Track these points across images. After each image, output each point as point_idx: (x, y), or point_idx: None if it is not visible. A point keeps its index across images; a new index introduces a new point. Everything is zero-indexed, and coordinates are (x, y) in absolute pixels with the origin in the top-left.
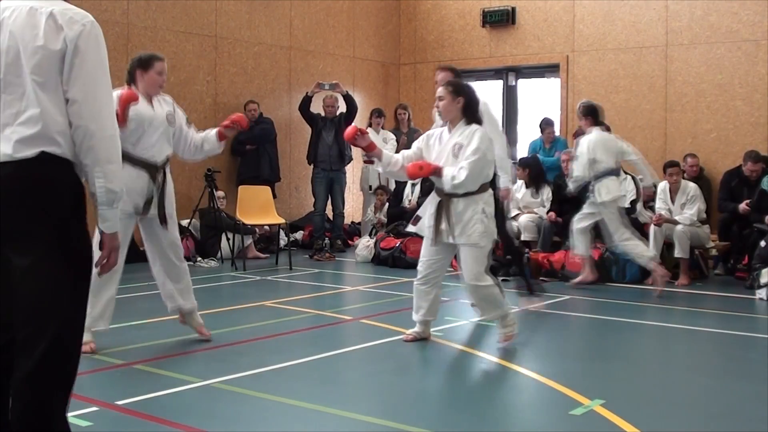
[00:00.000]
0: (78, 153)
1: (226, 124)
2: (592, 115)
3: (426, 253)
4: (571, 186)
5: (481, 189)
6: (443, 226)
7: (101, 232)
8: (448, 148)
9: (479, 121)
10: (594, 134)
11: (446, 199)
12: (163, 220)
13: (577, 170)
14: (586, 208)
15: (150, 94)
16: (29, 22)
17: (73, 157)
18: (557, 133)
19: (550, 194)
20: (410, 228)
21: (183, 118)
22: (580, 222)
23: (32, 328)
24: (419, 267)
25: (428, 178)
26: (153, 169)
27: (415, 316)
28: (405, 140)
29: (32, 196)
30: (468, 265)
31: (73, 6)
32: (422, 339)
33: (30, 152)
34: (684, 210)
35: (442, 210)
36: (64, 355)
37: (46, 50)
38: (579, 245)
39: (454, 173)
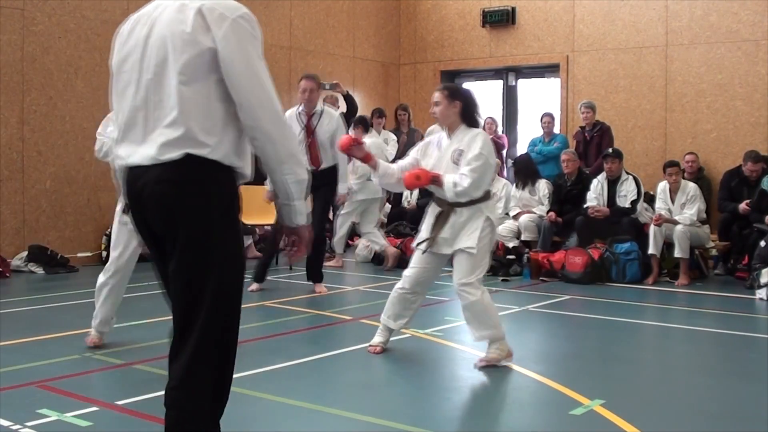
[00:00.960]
0: (260, 156)
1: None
2: None
3: (418, 261)
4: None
5: (485, 196)
6: (444, 235)
7: (286, 227)
8: (448, 155)
9: (479, 125)
10: None
11: (448, 209)
12: None
13: None
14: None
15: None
16: (177, 19)
17: (223, 158)
18: (557, 130)
19: (547, 191)
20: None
21: None
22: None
23: (177, 336)
24: (408, 273)
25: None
26: None
27: (392, 324)
28: (405, 140)
29: (177, 199)
30: (460, 271)
31: (223, 1)
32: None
33: (175, 154)
34: (684, 210)
35: (441, 220)
36: (207, 366)
37: (194, 49)
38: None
39: (456, 180)
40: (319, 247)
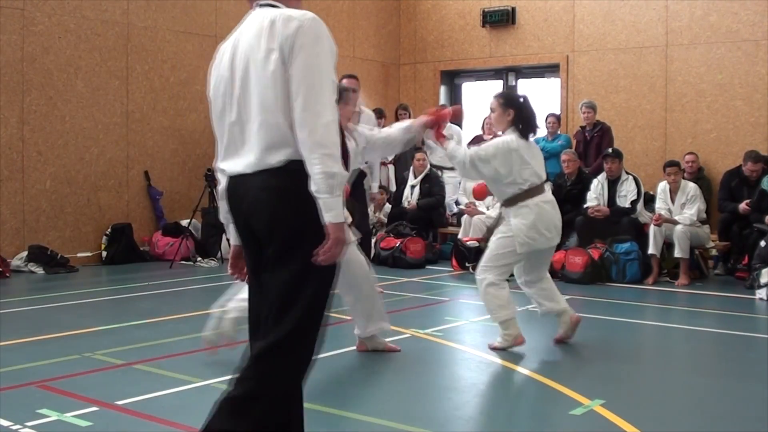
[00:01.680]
0: (300, 147)
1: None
2: None
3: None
4: None
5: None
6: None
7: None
8: None
9: (535, 132)
10: None
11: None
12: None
13: None
14: None
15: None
16: (257, 32)
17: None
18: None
19: None
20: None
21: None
22: None
23: (263, 331)
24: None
25: (427, 183)
26: None
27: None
28: None
29: (277, 203)
30: (486, 253)
31: (297, 9)
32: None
33: (274, 160)
34: (684, 210)
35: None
36: (291, 360)
37: (270, 57)
38: None
39: None
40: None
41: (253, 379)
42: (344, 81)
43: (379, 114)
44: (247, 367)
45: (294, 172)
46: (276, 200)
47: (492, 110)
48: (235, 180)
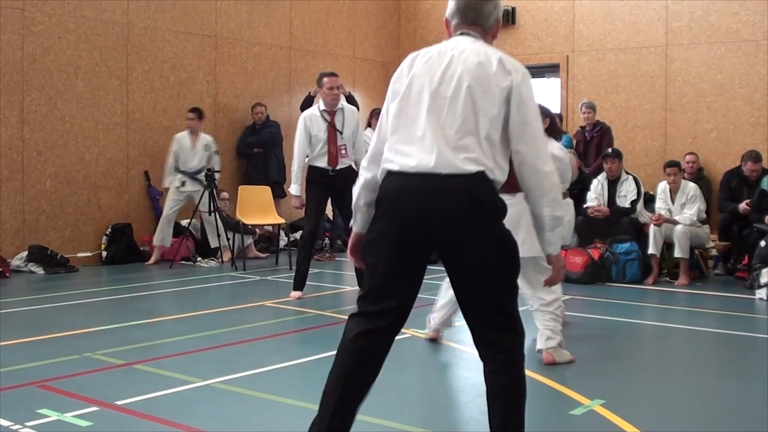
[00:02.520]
0: (524, 185)
1: None
2: None
3: None
4: None
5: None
6: None
7: (548, 255)
8: None
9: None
10: None
11: None
12: None
13: None
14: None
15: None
16: (479, 61)
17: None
18: None
19: None
20: None
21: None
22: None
23: (485, 320)
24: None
25: None
26: None
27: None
28: None
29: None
30: None
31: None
32: None
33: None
34: (684, 210)
35: None
36: (518, 335)
37: (494, 86)
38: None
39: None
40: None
41: (505, 352)
42: (328, 79)
43: (379, 114)
44: (496, 350)
45: (484, 180)
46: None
47: None
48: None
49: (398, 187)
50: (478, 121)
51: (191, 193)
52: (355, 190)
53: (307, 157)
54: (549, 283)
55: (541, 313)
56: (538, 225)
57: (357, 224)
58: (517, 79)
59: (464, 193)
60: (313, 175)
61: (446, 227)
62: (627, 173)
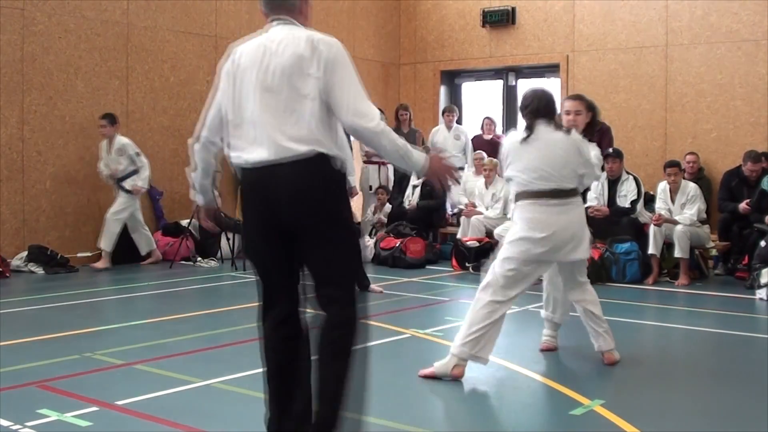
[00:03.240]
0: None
1: None
2: None
3: None
4: None
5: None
6: None
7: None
8: None
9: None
10: None
11: None
12: None
13: None
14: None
15: None
16: (293, 48)
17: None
18: None
19: None
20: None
21: None
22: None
23: (323, 281)
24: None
25: (428, 185)
26: None
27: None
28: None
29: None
30: None
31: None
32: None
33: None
34: (684, 210)
35: None
36: (351, 275)
37: (313, 68)
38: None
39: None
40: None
41: (337, 324)
42: None
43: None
44: (328, 321)
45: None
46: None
47: (578, 113)
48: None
49: (249, 182)
50: (303, 105)
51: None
52: (191, 173)
53: None
54: (445, 186)
55: (587, 315)
56: (398, 160)
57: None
58: (328, 54)
59: (303, 176)
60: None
61: (291, 212)
62: (627, 173)
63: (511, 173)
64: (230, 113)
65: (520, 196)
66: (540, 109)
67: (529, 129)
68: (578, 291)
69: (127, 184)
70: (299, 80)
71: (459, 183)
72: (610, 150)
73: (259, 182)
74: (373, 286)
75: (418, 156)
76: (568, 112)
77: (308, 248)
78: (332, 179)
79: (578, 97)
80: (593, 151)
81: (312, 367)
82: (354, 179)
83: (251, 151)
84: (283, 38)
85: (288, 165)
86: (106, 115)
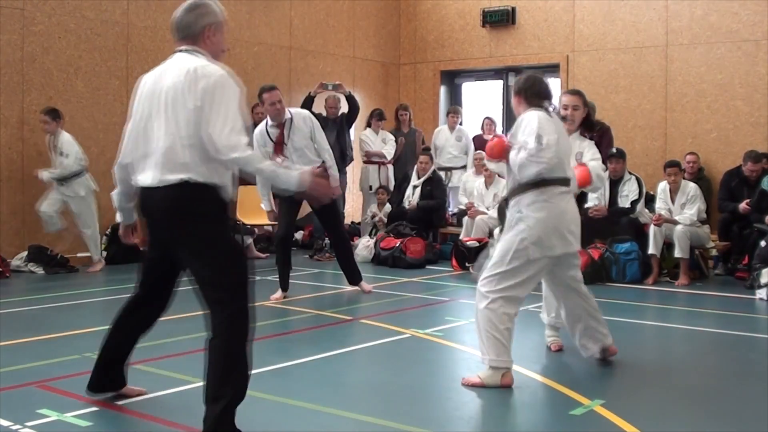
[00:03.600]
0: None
1: None
2: None
3: None
4: None
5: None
6: None
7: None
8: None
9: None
10: None
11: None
12: None
13: None
14: None
15: None
16: (176, 79)
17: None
18: None
19: None
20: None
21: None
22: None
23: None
24: None
25: (429, 185)
26: None
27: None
28: (403, 141)
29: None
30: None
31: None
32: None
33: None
34: (684, 210)
35: None
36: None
37: (190, 100)
38: None
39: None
40: (344, 246)
41: (215, 328)
42: (268, 95)
43: (379, 116)
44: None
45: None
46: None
47: (576, 108)
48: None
49: (141, 201)
50: (180, 133)
51: (67, 198)
52: (112, 193)
53: None
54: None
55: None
56: (273, 181)
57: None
58: (206, 85)
59: (170, 201)
60: (276, 189)
61: (164, 229)
62: (630, 173)
63: (550, 154)
64: (133, 139)
65: (547, 182)
66: (548, 93)
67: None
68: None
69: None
70: (178, 111)
71: (336, 197)
72: (614, 150)
73: (143, 202)
74: (363, 284)
75: (289, 177)
76: (565, 107)
77: (185, 260)
78: (201, 202)
79: (576, 92)
80: (595, 162)
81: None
82: (337, 177)
83: (140, 174)
84: (173, 69)
85: (161, 189)
86: (47, 110)
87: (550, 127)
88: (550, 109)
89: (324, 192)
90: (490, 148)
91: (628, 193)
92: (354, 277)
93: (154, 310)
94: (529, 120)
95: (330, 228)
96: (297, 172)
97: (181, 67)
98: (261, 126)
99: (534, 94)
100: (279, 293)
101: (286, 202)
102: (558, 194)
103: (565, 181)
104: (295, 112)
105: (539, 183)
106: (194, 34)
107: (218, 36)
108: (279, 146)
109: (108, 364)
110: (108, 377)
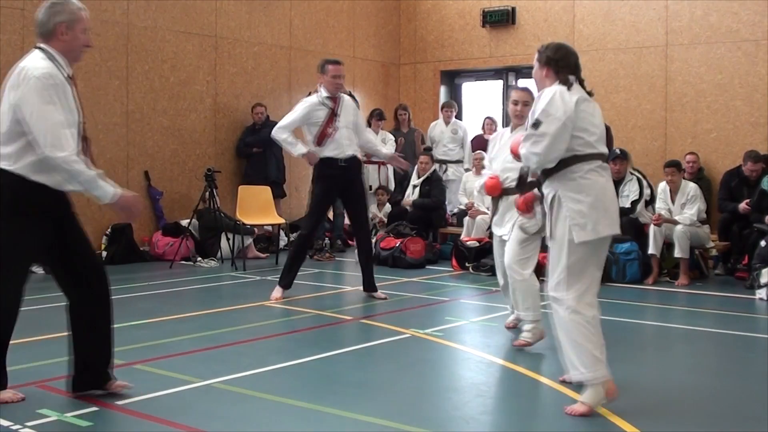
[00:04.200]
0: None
1: None
2: None
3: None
4: None
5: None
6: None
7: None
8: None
9: None
10: None
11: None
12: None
13: None
14: None
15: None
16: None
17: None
18: None
19: None
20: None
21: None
22: None
23: None
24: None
25: (428, 185)
26: None
27: (533, 314)
28: (403, 141)
29: None
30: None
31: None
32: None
33: None
34: (684, 210)
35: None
36: None
37: (11, 96)
38: None
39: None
40: (369, 247)
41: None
42: (329, 67)
43: (379, 116)
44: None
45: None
46: None
47: (526, 104)
48: None
49: None
50: (9, 127)
51: None
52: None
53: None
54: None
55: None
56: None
57: None
58: (25, 85)
59: None
60: (322, 168)
61: None
62: (632, 173)
63: (544, 144)
64: None
65: (587, 157)
66: (579, 66)
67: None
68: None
69: None
70: (8, 106)
71: (136, 218)
72: (617, 151)
73: None
74: (377, 293)
75: (106, 191)
76: (515, 102)
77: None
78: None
79: (526, 89)
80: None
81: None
82: (390, 154)
83: None
84: (17, 65)
85: None
86: None
87: (561, 108)
88: (576, 85)
89: (130, 214)
90: (489, 188)
91: (629, 193)
92: (370, 284)
93: (89, 296)
94: (543, 98)
95: (357, 227)
96: (113, 189)
97: (20, 64)
98: (312, 99)
99: (566, 66)
100: (279, 292)
101: (323, 196)
102: (591, 170)
103: (599, 156)
104: (344, 96)
105: (571, 160)
106: (47, 31)
107: (72, 33)
108: (332, 118)
109: (86, 366)
110: (90, 376)
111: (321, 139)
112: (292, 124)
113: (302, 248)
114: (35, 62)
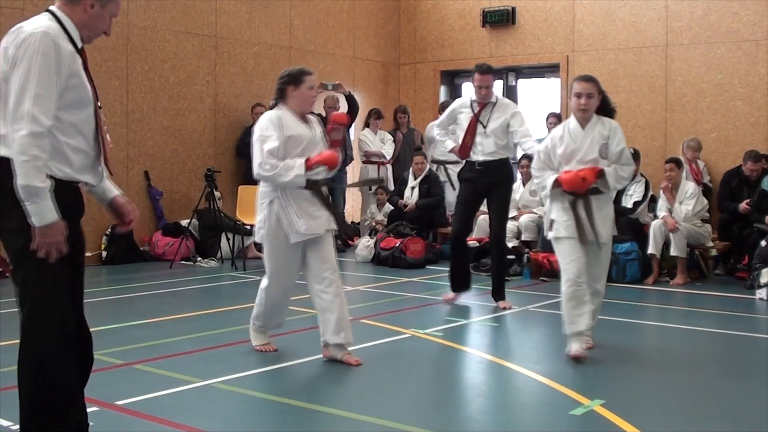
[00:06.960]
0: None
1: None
2: None
3: (574, 252)
4: None
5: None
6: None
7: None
8: (591, 145)
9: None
10: None
11: (584, 197)
12: None
13: None
14: None
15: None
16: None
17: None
18: None
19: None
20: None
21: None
22: None
23: None
24: (571, 268)
25: (426, 184)
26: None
27: (583, 324)
28: (401, 138)
29: None
30: (603, 266)
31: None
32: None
33: None
34: (682, 206)
35: (577, 208)
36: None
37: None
38: None
39: (622, 173)
40: (501, 258)
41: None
42: (477, 75)
43: (377, 115)
44: None
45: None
46: None
47: (590, 96)
48: None
49: None
50: (4, 102)
51: None
52: None
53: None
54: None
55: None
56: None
57: None
58: (16, 49)
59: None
60: (463, 171)
61: None
62: (642, 175)
63: None
64: None
65: None
66: None
67: None
68: None
69: None
70: (2, 75)
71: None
72: (631, 150)
73: None
74: (502, 302)
75: (45, 215)
76: (578, 95)
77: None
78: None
79: (590, 79)
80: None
81: None
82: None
83: None
84: (14, 28)
85: None
86: None
87: None
88: None
89: (47, 250)
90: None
91: (633, 192)
92: (499, 292)
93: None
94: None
95: (492, 228)
96: (54, 216)
97: (16, 27)
98: (463, 100)
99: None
100: (451, 294)
101: (464, 198)
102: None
103: None
104: (501, 99)
105: None
106: None
107: (98, 9)
108: (474, 124)
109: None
110: None
111: (463, 149)
112: (440, 125)
113: (456, 248)
114: (36, 23)
